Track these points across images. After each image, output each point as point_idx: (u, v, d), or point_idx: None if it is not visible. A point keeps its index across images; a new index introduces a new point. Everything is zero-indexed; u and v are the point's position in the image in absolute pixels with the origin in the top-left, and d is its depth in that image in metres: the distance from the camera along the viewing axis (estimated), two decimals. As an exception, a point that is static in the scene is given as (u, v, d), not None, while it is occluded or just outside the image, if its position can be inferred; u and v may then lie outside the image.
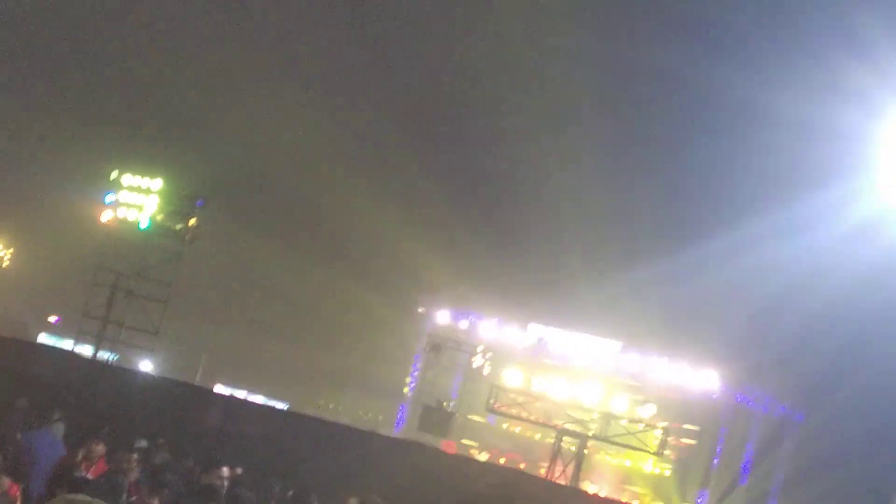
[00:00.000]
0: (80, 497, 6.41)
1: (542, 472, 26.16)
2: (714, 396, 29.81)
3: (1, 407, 14.41)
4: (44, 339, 30.61)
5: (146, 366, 29.78)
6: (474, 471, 21.68)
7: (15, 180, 30.36)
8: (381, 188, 31.33)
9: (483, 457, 29.77)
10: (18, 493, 8.69)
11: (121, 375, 23.70)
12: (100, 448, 10.58)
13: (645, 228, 30.72)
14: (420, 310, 32.53)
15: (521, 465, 29.13)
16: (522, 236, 30.92)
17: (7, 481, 8.68)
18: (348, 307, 30.81)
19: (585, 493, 24.98)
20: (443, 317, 31.84)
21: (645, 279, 29.29)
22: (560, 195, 31.90)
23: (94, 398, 18.89)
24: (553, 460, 25.50)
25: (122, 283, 26.53)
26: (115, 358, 26.65)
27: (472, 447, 31.16)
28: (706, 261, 28.42)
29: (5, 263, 31.86)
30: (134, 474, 11.51)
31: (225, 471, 10.87)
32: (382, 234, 31.24)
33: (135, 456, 11.96)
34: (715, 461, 31.55)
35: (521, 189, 32.91)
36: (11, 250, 31.90)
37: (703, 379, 28.92)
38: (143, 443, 12.02)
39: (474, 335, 31.60)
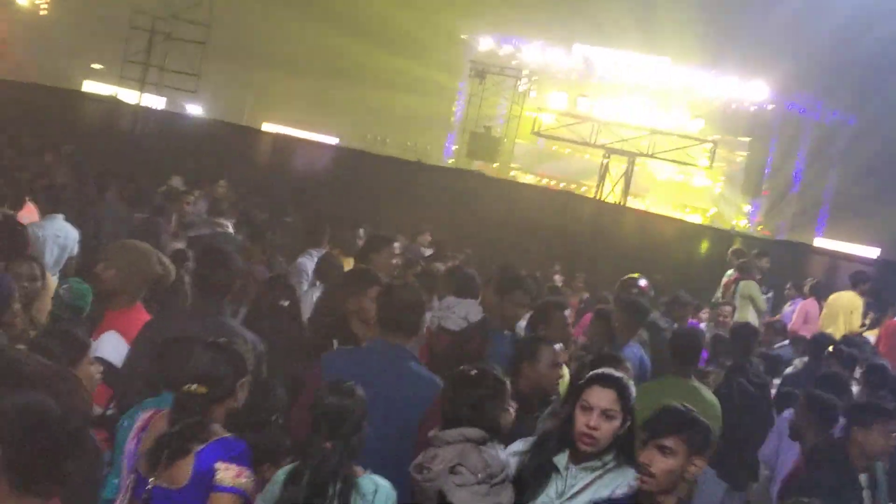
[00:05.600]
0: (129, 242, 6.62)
1: (591, 192, 26.31)
2: (764, 106, 29.36)
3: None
4: (87, 86, 30.74)
5: (194, 109, 29.97)
6: (524, 194, 21.88)
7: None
8: None
9: (529, 179, 30.01)
10: None
11: (167, 119, 23.91)
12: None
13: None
14: (463, 37, 31.95)
15: (570, 187, 29.33)
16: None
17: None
18: (391, 40, 30.18)
19: (636, 209, 25.18)
20: (486, 43, 31.27)
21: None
22: None
23: (141, 142, 19.14)
24: (601, 179, 25.57)
25: (160, 26, 26.33)
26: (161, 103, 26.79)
27: (517, 170, 31.38)
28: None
29: (43, 11, 31.51)
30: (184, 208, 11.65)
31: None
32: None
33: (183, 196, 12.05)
34: (766, 171, 31.46)
35: None
36: (48, -1, 31.48)
37: (753, 90, 28.41)
38: (178, 181, 11.93)
39: (518, 60, 31.13)
